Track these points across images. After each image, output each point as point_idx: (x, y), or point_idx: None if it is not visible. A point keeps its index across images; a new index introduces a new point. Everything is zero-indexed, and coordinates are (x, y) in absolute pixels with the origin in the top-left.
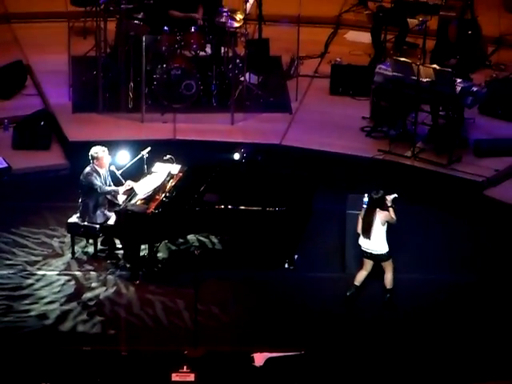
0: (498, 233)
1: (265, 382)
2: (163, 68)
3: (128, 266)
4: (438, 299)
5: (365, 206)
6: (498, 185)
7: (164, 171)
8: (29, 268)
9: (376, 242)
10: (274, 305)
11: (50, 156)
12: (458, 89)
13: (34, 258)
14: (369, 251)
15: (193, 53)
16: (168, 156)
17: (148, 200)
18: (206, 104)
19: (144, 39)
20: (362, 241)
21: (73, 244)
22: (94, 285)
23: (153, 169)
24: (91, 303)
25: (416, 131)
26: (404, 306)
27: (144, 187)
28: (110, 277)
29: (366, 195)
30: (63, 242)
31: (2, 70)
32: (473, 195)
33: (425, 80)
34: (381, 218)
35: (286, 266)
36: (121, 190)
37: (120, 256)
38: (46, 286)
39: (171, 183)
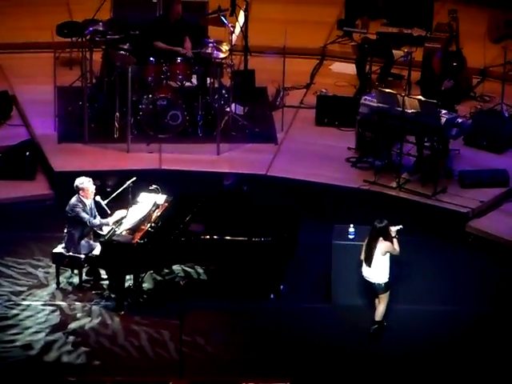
0: (483, 263)
1: None
2: (149, 98)
3: (113, 296)
4: (422, 329)
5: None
6: (482, 216)
7: (149, 201)
8: (14, 298)
9: (375, 271)
10: (259, 335)
11: (35, 186)
12: (443, 120)
13: (18, 288)
14: (368, 279)
15: (179, 83)
16: (153, 186)
17: (133, 230)
18: (191, 134)
19: (130, 70)
20: (364, 268)
21: (58, 274)
22: (78, 315)
23: (138, 199)
24: (76, 334)
25: (401, 162)
26: (390, 336)
27: (130, 217)
28: (94, 307)
29: (351, 226)
30: (48, 273)
31: None
32: (457, 226)
33: (410, 111)
34: (381, 248)
35: (272, 296)
36: (111, 221)
37: (105, 286)
38: (30, 316)
39: (157, 213)
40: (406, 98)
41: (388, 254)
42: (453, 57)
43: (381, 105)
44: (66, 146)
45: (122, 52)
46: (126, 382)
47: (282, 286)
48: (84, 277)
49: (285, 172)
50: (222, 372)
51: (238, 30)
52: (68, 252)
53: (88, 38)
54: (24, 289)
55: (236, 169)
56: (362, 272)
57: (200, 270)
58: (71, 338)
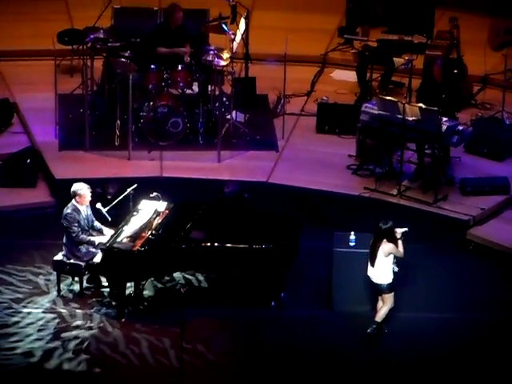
0: (484, 271)
1: None
2: (150, 106)
3: (114, 303)
4: (424, 337)
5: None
6: (483, 223)
7: (150, 209)
8: (14, 305)
9: (378, 272)
10: (260, 343)
11: (36, 194)
12: (444, 127)
13: (19, 296)
14: (371, 279)
15: (180, 91)
16: (154, 193)
17: (134, 237)
18: (192, 142)
19: (131, 77)
20: (369, 268)
21: (58, 282)
22: (79, 323)
23: (139, 206)
24: (77, 341)
25: (402, 169)
26: (388, 346)
27: (130, 225)
28: (95, 315)
29: (352, 233)
30: (49, 280)
31: None
32: (458, 234)
33: (411, 119)
34: (384, 249)
35: (273, 303)
36: (97, 240)
37: (106, 294)
38: (31, 323)
39: (157, 221)
40: (406, 105)
41: (391, 256)
42: (453, 64)
43: (381, 112)
44: (66, 153)
45: (122, 59)
46: None
47: (282, 294)
48: (85, 284)
49: (286, 179)
50: (223, 380)
51: (238, 37)
52: (69, 259)
53: (89, 45)
54: (25, 296)
55: (237, 176)
56: (367, 272)
57: (201, 278)
58: (72, 345)
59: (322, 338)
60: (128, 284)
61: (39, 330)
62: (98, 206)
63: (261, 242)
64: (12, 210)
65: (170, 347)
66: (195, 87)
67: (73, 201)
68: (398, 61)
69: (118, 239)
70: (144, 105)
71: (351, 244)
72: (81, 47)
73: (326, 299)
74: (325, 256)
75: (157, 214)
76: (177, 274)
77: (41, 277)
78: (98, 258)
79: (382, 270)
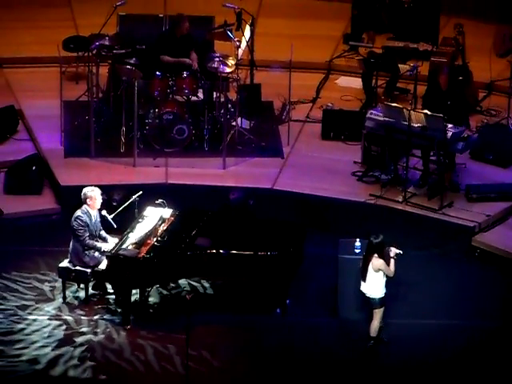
0: (490, 278)
1: None
2: (155, 113)
3: (119, 310)
4: (430, 344)
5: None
6: (489, 230)
7: (156, 215)
8: (20, 312)
9: (369, 286)
10: (265, 349)
11: (41, 201)
12: (449, 134)
13: (25, 303)
14: (364, 293)
15: (185, 98)
16: (160, 200)
17: (139, 244)
18: (197, 148)
19: (136, 84)
20: (361, 283)
21: (64, 289)
22: (84, 329)
23: (144, 213)
24: (82, 348)
25: (407, 176)
26: (394, 352)
27: (136, 232)
28: (101, 321)
29: (357, 240)
30: (54, 287)
31: None
32: (464, 240)
33: (416, 125)
34: (374, 264)
35: (278, 310)
36: (103, 247)
37: (111, 301)
38: (37, 330)
39: (163, 227)
40: (412, 112)
41: (381, 272)
42: (459, 71)
43: (387, 119)
44: (72, 160)
45: (128, 66)
46: None
47: (287, 301)
48: (90, 291)
49: (291, 186)
50: None
51: (244, 44)
52: (74, 266)
53: (94, 52)
54: (30, 303)
55: (242, 183)
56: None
57: (206, 284)
58: (77, 352)
59: (327, 345)
60: (133, 291)
61: (45, 337)
62: (104, 212)
63: (266, 248)
64: (17, 217)
65: (176, 354)
66: (200, 94)
67: (85, 205)
68: (403, 67)
69: (124, 246)
70: (149, 112)
71: (356, 251)
72: (86, 54)
73: (331, 306)
74: (330, 263)
75: (162, 220)
76: (182, 281)
77: (46, 284)
78: (103, 265)
79: (373, 285)
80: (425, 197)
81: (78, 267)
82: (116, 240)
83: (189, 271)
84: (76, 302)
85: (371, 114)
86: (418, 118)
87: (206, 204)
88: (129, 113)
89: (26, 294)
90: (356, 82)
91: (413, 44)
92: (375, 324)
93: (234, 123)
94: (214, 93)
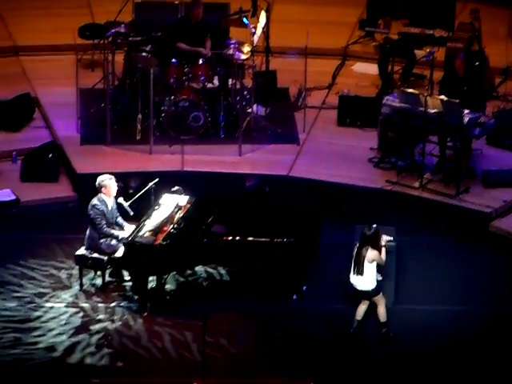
0: (506, 264)
1: None
2: (171, 100)
3: (136, 297)
4: (447, 331)
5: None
6: (506, 216)
7: (172, 203)
8: (37, 300)
9: (363, 279)
10: (282, 336)
11: (58, 188)
12: (466, 120)
13: (42, 291)
14: (356, 287)
15: (200, 85)
16: (176, 187)
17: (156, 231)
18: (213, 136)
19: (152, 71)
20: (352, 276)
21: (81, 276)
22: (101, 317)
23: (161, 200)
24: (99, 335)
25: (424, 162)
26: (409, 337)
27: (152, 219)
28: (118, 309)
29: (374, 226)
30: (71, 274)
31: (10, 102)
32: (481, 226)
33: (432, 111)
34: (368, 256)
35: (294, 297)
36: (120, 234)
37: (128, 288)
38: (53, 318)
39: (179, 214)
40: (428, 97)
41: (375, 263)
42: (475, 56)
43: (403, 105)
44: (88, 147)
45: (143, 54)
46: None
47: (304, 287)
48: (107, 278)
49: (307, 173)
50: (245, 373)
51: (259, 30)
52: (91, 254)
53: (110, 39)
54: (47, 291)
55: (258, 170)
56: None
57: (223, 271)
58: (94, 339)
59: (342, 331)
60: (150, 278)
61: (62, 325)
62: (120, 200)
63: (282, 235)
64: (34, 204)
65: (193, 341)
66: (216, 81)
67: (100, 193)
68: (419, 53)
69: (140, 233)
70: (165, 99)
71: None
72: (102, 42)
73: (347, 293)
74: (346, 249)
75: (178, 208)
76: (199, 268)
77: (63, 271)
78: (120, 252)
79: (367, 277)
80: (441, 183)
81: (94, 254)
82: (133, 227)
83: (205, 258)
84: (93, 290)
85: (387, 100)
86: (434, 103)
87: (222, 191)
88: (144, 100)
89: (42, 282)
90: (372, 68)
91: (429, 30)
92: (381, 310)
93: (249, 110)
94: (230, 80)
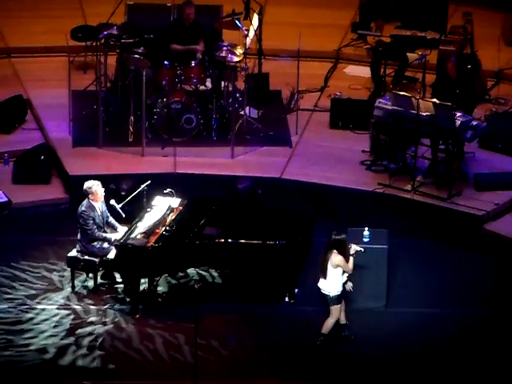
0: (498, 267)
1: None
2: (163, 102)
3: (128, 300)
4: (438, 333)
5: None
6: (498, 219)
7: (164, 205)
8: (29, 302)
9: (327, 282)
10: (274, 339)
11: (50, 190)
12: (458, 123)
13: (33, 292)
14: (321, 290)
15: (193, 87)
16: (168, 190)
17: (148, 234)
18: (206, 138)
19: (144, 73)
20: (320, 279)
21: (72, 278)
22: (93, 319)
23: (153, 202)
24: (91, 337)
25: (416, 165)
26: (405, 340)
27: (144, 221)
28: (109, 311)
29: (366, 229)
30: (63, 276)
31: (2, 104)
32: (473, 229)
33: (424, 114)
34: (332, 260)
35: (287, 299)
36: (112, 237)
37: (120, 290)
38: (45, 320)
39: (171, 217)
40: (420, 100)
41: (340, 268)
42: (467, 59)
43: (395, 108)
44: (80, 149)
45: (136, 56)
46: None
47: (296, 290)
48: (99, 280)
49: (299, 175)
50: (237, 375)
51: (252, 33)
52: (83, 256)
53: (102, 41)
54: (39, 292)
55: (250, 172)
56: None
57: (215, 274)
58: (86, 341)
59: (334, 333)
60: (142, 280)
61: (53, 327)
62: (112, 202)
63: (274, 237)
64: (26, 206)
65: (185, 343)
66: (208, 83)
67: (87, 198)
68: (411, 56)
69: (132, 235)
70: (157, 101)
71: (365, 240)
72: (94, 44)
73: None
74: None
75: (170, 210)
76: (191, 270)
77: (55, 273)
78: (112, 254)
79: (330, 281)
80: (433, 186)
81: (86, 257)
82: (125, 229)
83: (197, 260)
84: (85, 292)
85: (379, 102)
86: (426, 106)
87: (215, 193)
88: (137, 102)
89: (34, 284)
90: (364, 71)
91: (421, 33)
92: (330, 322)
93: (242, 112)
94: (222, 82)
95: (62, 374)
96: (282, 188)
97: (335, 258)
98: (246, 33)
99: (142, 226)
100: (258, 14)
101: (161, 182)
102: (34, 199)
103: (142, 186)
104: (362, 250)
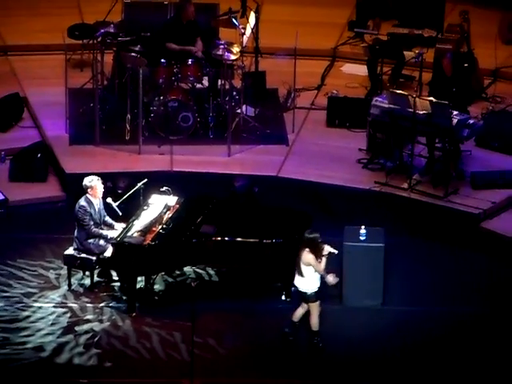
0: (495, 265)
1: None
2: (160, 100)
3: (124, 298)
4: (435, 332)
5: None
6: (494, 217)
7: (161, 203)
8: (25, 300)
9: (302, 280)
10: (270, 337)
11: (46, 188)
12: (455, 121)
13: (30, 290)
14: (297, 288)
15: (190, 85)
16: (165, 188)
17: (145, 232)
18: (202, 136)
19: (141, 71)
20: (296, 276)
21: (69, 276)
22: (90, 317)
23: (149, 200)
24: (87, 335)
25: (412, 163)
26: (402, 338)
27: (141, 219)
28: (106, 309)
29: (363, 227)
30: (60, 274)
31: None
32: (469, 227)
33: (421, 112)
34: (303, 258)
35: (283, 297)
36: (108, 234)
37: (116, 288)
38: (42, 318)
39: (168, 215)
40: (417, 99)
41: (311, 267)
42: (464, 58)
43: (392, 106)
44: (77, 147)
45: (133, 54)
46: None
47: (293, 288)
48: (96, 278)
49: (296, 173)
50: (234, 373)
51: (248, 31)
52: (79, 254)
53: (99, 39)
54: (35, 291)
55: (247, 170)
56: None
57: (211, 272)
58: (83, 339)
59: (331, 332)
60: (139, 278)
61: (50, 325)
62: (109, 200)
63: (271, 236)
64: (23, 204)
65: (181, 341)
66: (205, 81)
67: (86, 194)
68: (408, 54)
69: (129, 233)
70: (154, 99)
71: (362, 238)
72: (91, 42)
73: (336, 293)
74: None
75: (167, 208)
76: (187, 269)
77: (51, 271)
78: (108, 253)
79: (307, 279)
80: (430, 184)
81: (83, 255)
82: (122, 227)
83: (194, 258)
84: (81, 290)
85: (376, 101)
86: (423, 104)
87: (211, 191)
88: (134, 100)
89: (31, 282)
90: (361, 69)
91: (418, 31)
92: (314, 319)
93: (238, 111)
94: (219, 80)
95: (59, 372)
96: (278, 186)
97: (306, 256)
98: (242, 31)
99: (139, 224)
100: (255, 12)
101: (157, 180)
102: (31, 197)
103: (139, 185)
104: (336, 252)
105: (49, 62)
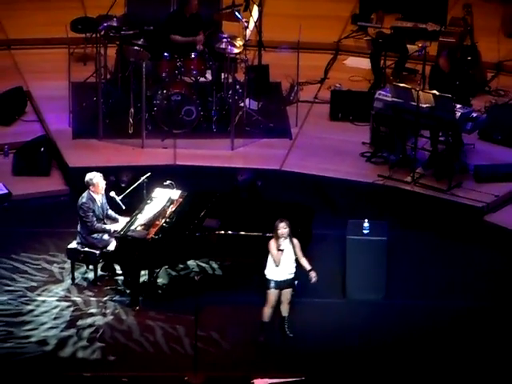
0: (498, 258)
1: None
2: (163, 94)
3: (128, 291)
4: (438, 325)
5: None
6: (498, 210)
7: (164, 197)
8: (29, 294)
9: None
10: (274, 330)
11: (50, 182)
12: (458, 114)
13: (33, 284)
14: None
15: (193, 79)
16: (168, 181)
17: (148, 225)
18: (206, 129)
19: (144, 65)
20: None
21: (73, 270)
22: (93, 311)
23: (153, 194)
24: (91, 329)
25: (416, 157)
26: (405, 332)
27: (144, 213)
28: (109, 303)
29: (366, 220)
30: (63, 268)
31: (2, 96)
32: (473, 221)
33: (424, 106)
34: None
35: None
36: (112, 229)
37: (120, 282)
38: (46, 311)
39: (171, 209)
40: (420, 92)
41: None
42: (467, 51)
43: (395, 99)
44: (80, 141)
45: (136, 47)
46: (141, 378)
47: (296, 282)
48: (99, 272)
49: (299, 167)
50: (237, 367)
51: (251, 24)
52: (83, 247)
53: (102, 33)
54: (39, 284)
55: (250, 164)
56: None
57: (215, 265)
58: (86, 333)
59: (335, 325)
60: (142, 272)
61: (54, 319)
62: (112, 194)
63: None
64: (26, 198)
65: (185, 335)
66: (208, 75)
67: (88, 190)
68: (411, 48)
69: (132, 227)
70: (157, 93)
71: (365, 232)
72: (94, 35)
73: (339, 287)
74: (338, 244)
75: (170, 202)
76: (191, 262)
77: (55, 265)
78: (112, 246)
79: (268, 265)
80: (433, 177)
81: (86, 248)
82: (125, 220)
83: (197, 252)
84: (85, 284)
85: (379, 94)
86: (426, 98)
87: (215, 185)
88: (137, 94)
89: (34, 276)
90: (364, 63)
91: (421, 24)
92: (264, 309)
93: (241, 104)
94: (222, 74)
95: (63, 365)
96: (281, 180)
97: (269, 242)
98: (245, 24)
99: (142, 217)
100: (258, 6)
101: (161, 174)
102: (34, 191)
103: (142, 178)
104: (283, 250)
105: (52, 55)
